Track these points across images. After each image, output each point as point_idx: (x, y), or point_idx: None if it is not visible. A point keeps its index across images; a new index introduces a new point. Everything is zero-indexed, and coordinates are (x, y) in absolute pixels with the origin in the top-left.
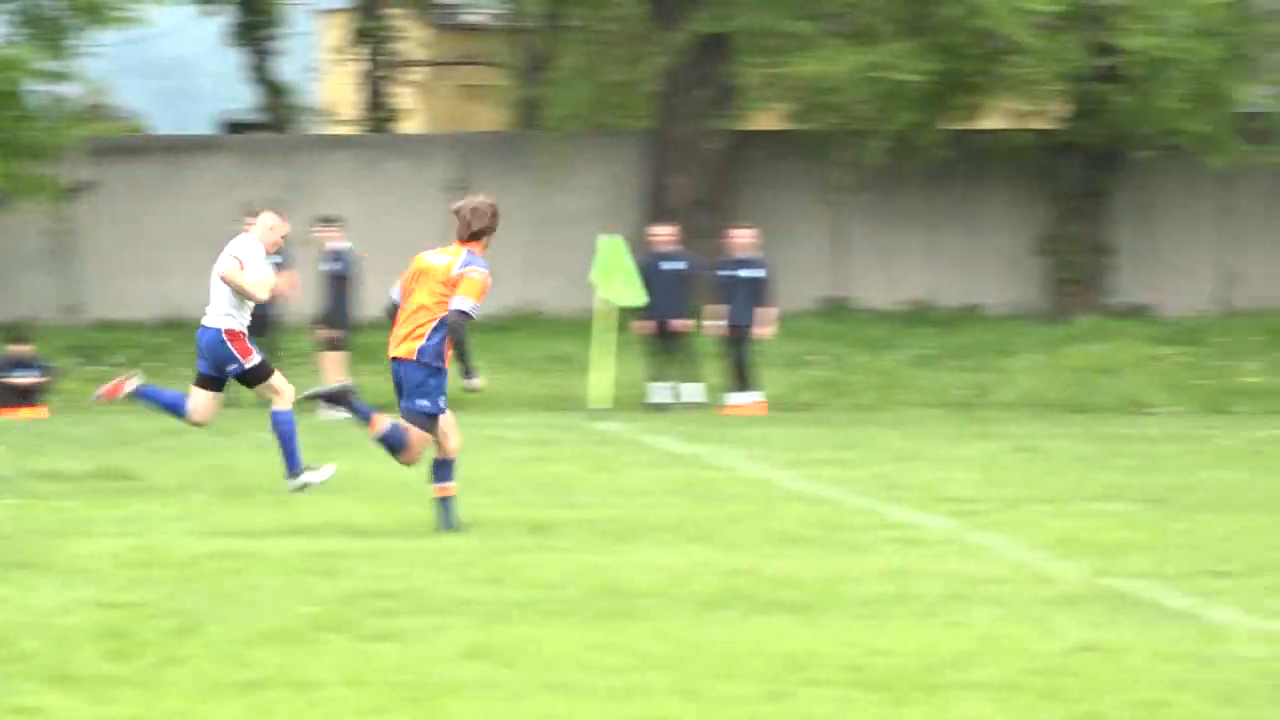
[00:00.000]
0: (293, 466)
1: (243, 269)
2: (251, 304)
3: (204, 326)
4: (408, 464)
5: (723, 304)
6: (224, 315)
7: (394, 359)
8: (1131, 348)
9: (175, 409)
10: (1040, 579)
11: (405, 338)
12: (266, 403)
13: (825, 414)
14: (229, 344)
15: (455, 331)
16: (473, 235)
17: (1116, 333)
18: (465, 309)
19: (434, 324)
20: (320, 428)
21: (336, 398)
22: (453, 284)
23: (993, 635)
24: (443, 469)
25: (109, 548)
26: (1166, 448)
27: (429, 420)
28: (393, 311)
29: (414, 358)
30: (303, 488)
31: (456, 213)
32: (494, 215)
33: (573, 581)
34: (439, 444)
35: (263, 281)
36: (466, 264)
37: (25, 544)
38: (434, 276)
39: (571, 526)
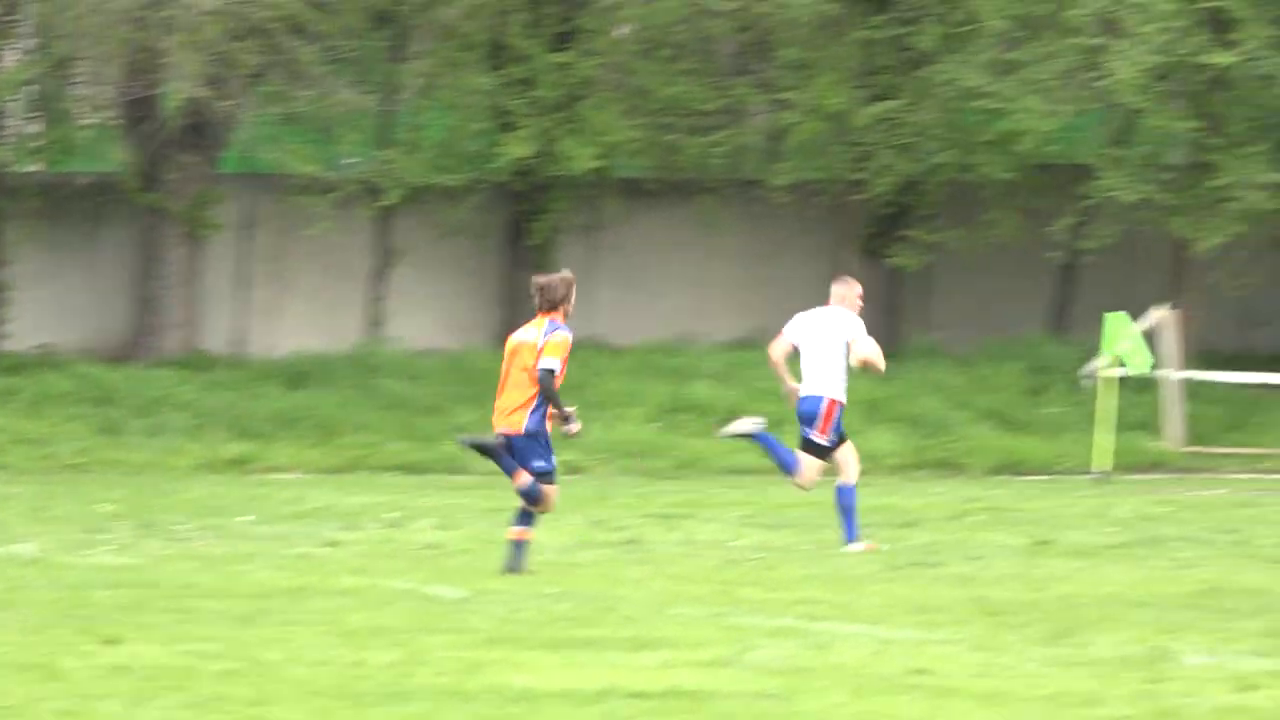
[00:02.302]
0: (849, 538)
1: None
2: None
3: (809, 395)
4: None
5: None
6: (835, 386)
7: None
8: None
9: (787, 467)
10: None
11: (511, 411)
12: None
13: None
14: (822, 409)
15: (545, 387)
16: (553, 306)
17: None
18: (551, 368)
19: (535, 398)
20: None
21: (486, 448)
22: (540, 352)
23: None
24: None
25: None
26: None
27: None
28: None
29: (520, 430)
30: (854, 552)
31: (539, 289)
32: (569, 286)
33: None
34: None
35: (878, 353)
36: (549, 331)
37: None
38: (526, 352)
39: None
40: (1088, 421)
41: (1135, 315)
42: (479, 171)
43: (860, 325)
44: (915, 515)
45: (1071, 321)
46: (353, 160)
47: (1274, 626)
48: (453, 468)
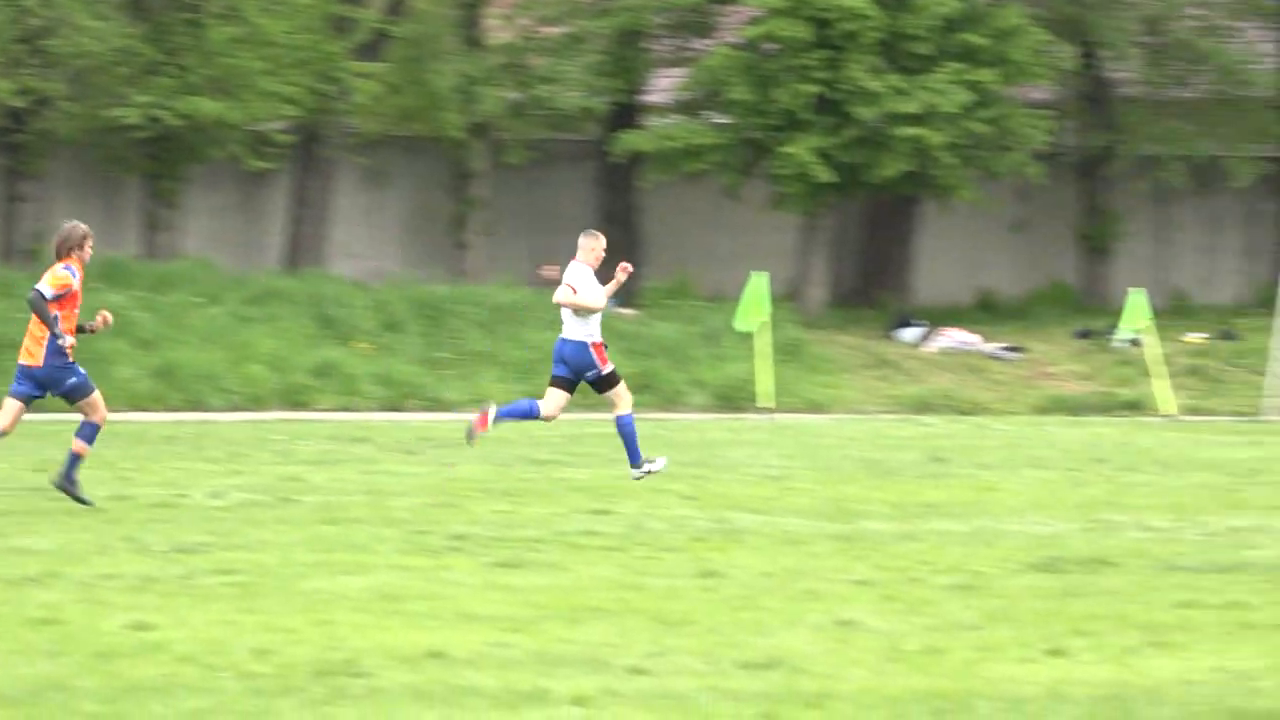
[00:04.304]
0: (635, 460)
1: (575, 293)
2: (597, 316)
3: (565, 339)
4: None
5: None
6: (581, 328)
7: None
8: None
9: (529, 416)
10: None
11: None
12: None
13: None
14: (591, 353)
15: (33, 306)
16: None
17: None
18: (41, 291)
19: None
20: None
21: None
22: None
23: None
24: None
25: None
26: None
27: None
28: None
29: (41, 362)
30: (645, 475)
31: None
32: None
33: None
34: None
35: (596, 295)
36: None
37: None
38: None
39: None
40: None
41: None
42: None
43: (578, 272)
44: None
45: None
46: None
47: None
48: None
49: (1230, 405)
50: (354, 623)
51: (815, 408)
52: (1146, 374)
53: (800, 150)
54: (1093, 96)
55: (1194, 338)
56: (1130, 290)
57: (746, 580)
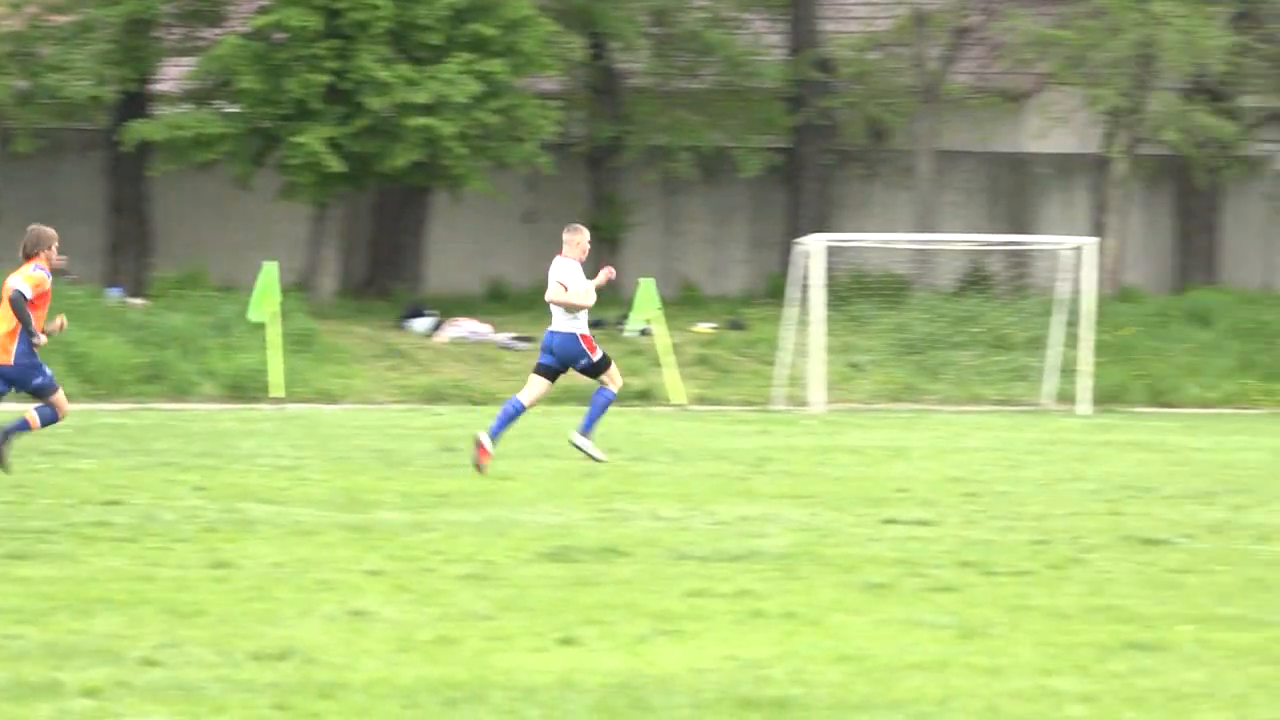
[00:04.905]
0: (585, 429)
1: (566, 290)
2: (585, 311)
3: (554, 331)
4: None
5: None
6: (570, 322)
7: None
8: None
9: (518, 414)
10: None
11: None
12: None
13: None
14: (581, 344)
15: (14, 306)
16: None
17: None
18: (22, 290)
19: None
20: None
21: None
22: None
23: None
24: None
25: None
26: None
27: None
28: None
29: (11, 361)
30: (579, 448)
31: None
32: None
33: None
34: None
35: (585, 291)
36: (31, 270)
37: None
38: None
39: None
40: None
41: None
42: None
43: (567, 269)
44: None
45: None
46: None
47: None
48: None
49: (739, 395)
50: None
51: (327, 398)
52: (657, 364)
53: (311, 140)
54: (602, 87)
55: (703, 328)
56: (640, 280)
57: (258, 571)
